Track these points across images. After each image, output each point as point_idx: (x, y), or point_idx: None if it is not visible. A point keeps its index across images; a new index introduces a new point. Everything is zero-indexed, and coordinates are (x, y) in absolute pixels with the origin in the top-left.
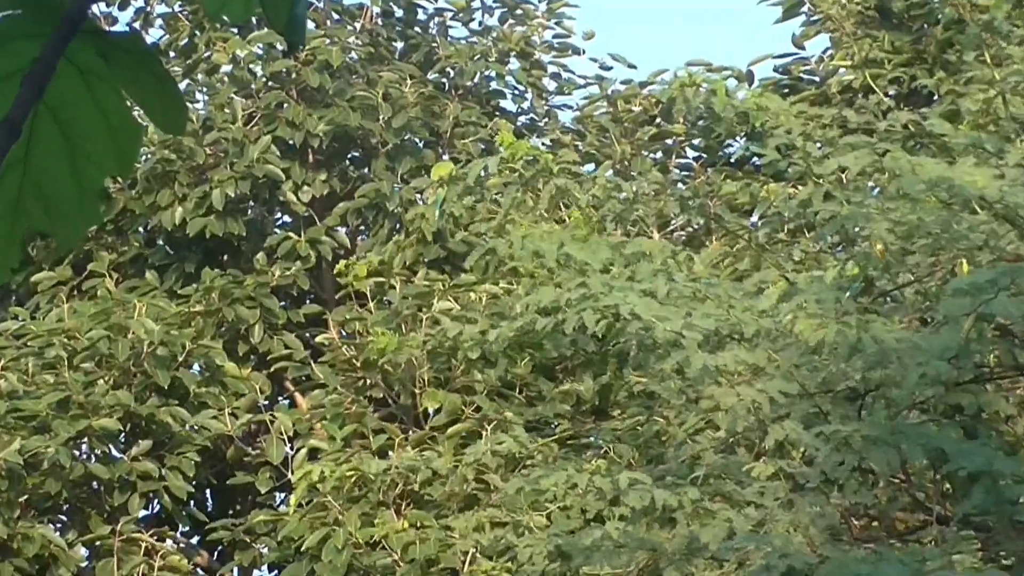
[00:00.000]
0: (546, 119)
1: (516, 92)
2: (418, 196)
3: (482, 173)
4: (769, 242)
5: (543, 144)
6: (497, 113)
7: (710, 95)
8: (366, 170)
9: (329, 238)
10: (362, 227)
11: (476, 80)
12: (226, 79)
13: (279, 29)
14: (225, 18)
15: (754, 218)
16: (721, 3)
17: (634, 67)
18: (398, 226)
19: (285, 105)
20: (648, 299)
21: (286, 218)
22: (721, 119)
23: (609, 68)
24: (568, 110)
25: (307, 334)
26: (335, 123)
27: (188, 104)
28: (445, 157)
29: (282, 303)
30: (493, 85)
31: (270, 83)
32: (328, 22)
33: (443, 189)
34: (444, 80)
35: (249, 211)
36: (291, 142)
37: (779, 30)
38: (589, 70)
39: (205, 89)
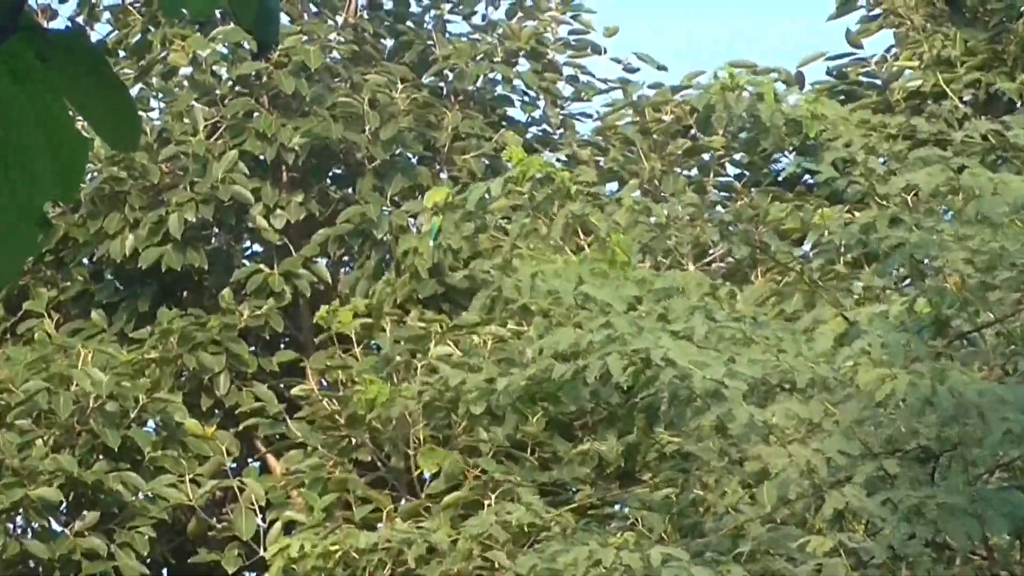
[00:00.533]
0: (561, 130)
1: (526, 99)
2: (411, 221)
3: (485, 196)
4: (824, 275)
5: (558, 160)
6: (504, 123)
7: (755, 101)
8: (350, 191)
9: (307, 271)
10: (345, 257)
11: (479, 84)
12: (185, 83)
13: (248, 26)
14: (184, 12)
15: (806, 247)
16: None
17: (664, 69)
18: (387, 257)
19: (255, 114)
20: (684, 342)
21: (256, 247)
22: (768, 129)
23: (635, 70)
24: (587, 120)
25: (281, 385)
26: (313, 135)
27: (141, 113)
28: (443, 175)
29: (252, 348)
30: (499, 90)
31: (237, 88)
32: (305, 16)
33: (439, 217)
34: (441, 84)
35: (213, 239)
36: (262, 158)
37: (833, 26)
38: (612, 72)
39: (161, 95)
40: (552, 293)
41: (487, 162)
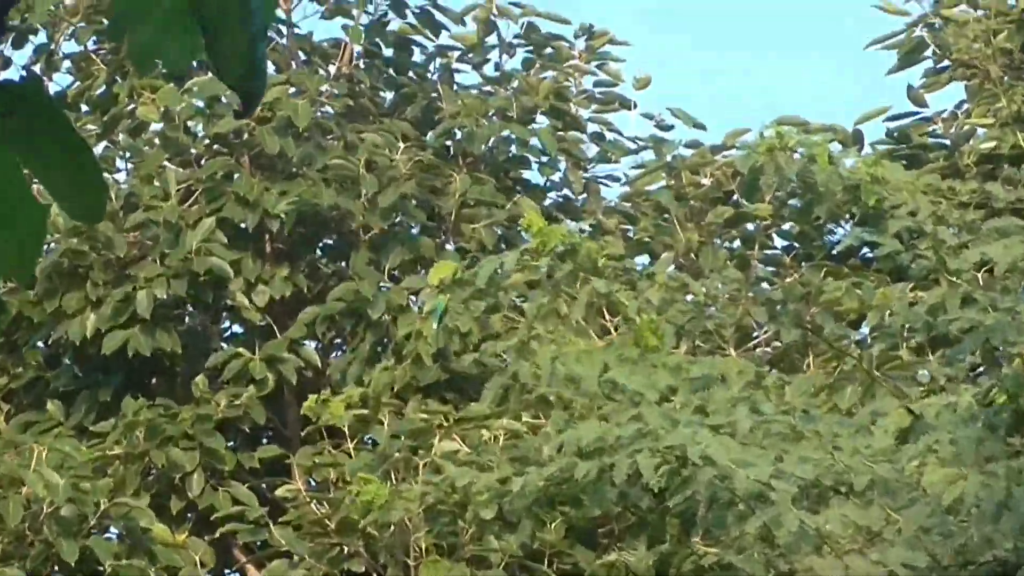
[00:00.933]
0: (584, 196)
1: (545, 160)
2: (412, 300)
3: (498, 271)
4: (886, 362)
5: (581, 230)
6: (519, 189)
7: (807, 163)
8: (342, 264)
9: (293, 356)
10: (337, 340)
11: (491, 144)
12: (156, 141)
13: (231, 81)
14: (157, 64)
15: (865, 330)
16: (813, 43)
17: (702, 127)
18: (385, 340)
19: (235, 176)
20: (725, 438)
21: (236, 328)
22: (822, 196)
23: (669, 128)
24: (614, 184)
25: (263, 485)
26: (301, 201)
27: (106, 176)
28: (449, 247)
29: (229, 443)
30: (514, 151)
31: (215, 147)
32: (293, 65)
33: (444, 296)
34: (448, 144)
35: (186, 319)
36: (243, 226)
37: (893, 79)
38: (642, 130)
39: (128, 155)
40: (574, 381)
41: (500, 233)
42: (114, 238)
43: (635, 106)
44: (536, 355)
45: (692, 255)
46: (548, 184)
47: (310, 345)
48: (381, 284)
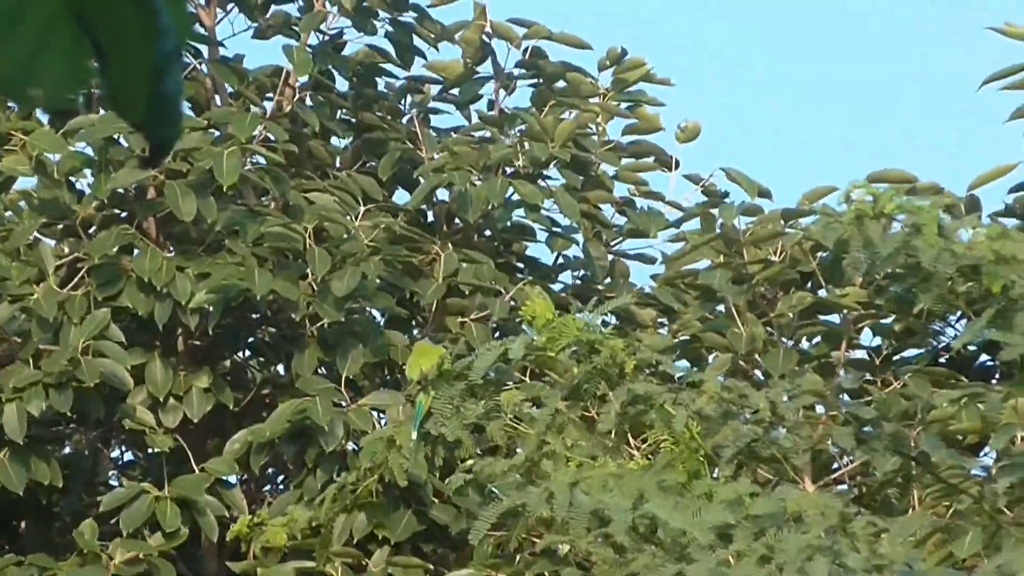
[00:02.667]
0: (609, 280)
1: (557, 231)
2: (377, 417)
3: (490, 373)
4: (1017, 501)
5: (604, 323)
6: (523, 268)
7: (909, 236)
8: (280, 370)
9: (213, 498)
10: (277, 475)
11: (489, 208)
12: (24, 204)
13: (132, 119)
14: (34, 96)
15: (988, 459)
16: (905, 79)
17: (767, 195)
18: (339, 471)
19: (136, 252)
20: None
21: (136, 456)
22: (930, 279)
23: (723, 195)
24: (649, 263)
25: None
26: (226, 286)
27: None
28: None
29: None
30: (518, 217)
31: (109, 211)
32: (216, 99)
33: (425, 395)
34: (428, 208)
35: (68, 446)
36: (146, 319)
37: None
38: (687, 194)
39: None
40: (600, 516)
41: (494, 327)
42: None
43: (677, 165)
44: (549, 479)
45: (755, 356)
46: (562, 262)
47: (236, 485)
48: (336, 400)
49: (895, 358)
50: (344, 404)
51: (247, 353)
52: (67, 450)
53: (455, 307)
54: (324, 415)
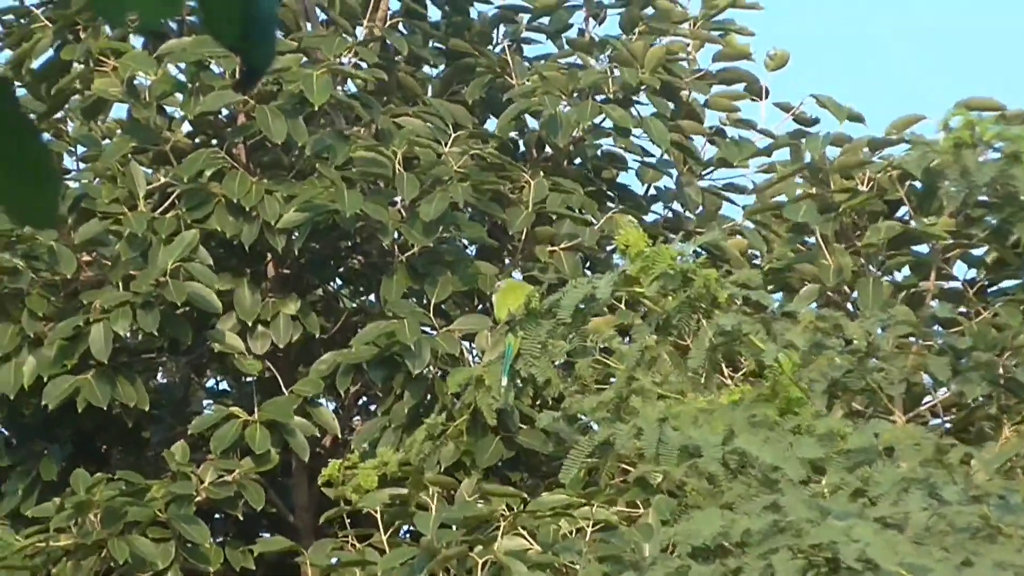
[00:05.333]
0: (701, 209)
1: (647, 160)
2: (466, 347)
3: (591, 297)
4: None
5: (695, 253)
6: (614, 197)
7: (1007, 164)
8: (371, 297)
9: (303, 419)
10: (363, 399)
11: (577, 135)
12: (117, 128)
13: (227, 42)
14: (129, 17)
15: None
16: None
17: (859, 119)
18: (428, 398)
19: (226, 175)
20: (892, 534)
21: (226, 383)
22: None
23: (814, 122)
24: (740, 194)
25: None
26: (315, 209)
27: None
28: (516, 276)
29: (218, 537)
30: (607, 145)
31: (199, 135)
32: (307, 26)
33: (514, 336)
34: (517, 136)
35: (159, 369)
36: (236, 243)
37: None
38: (778, 122)
39: (79, 145)
40: (689, 451)
41: (584, 257)
42: (60, 253)
43: (767, 93)
44: (638, 415)
45: (845, 288)
46: (653, 193)
47: (327, 406)
48: (424, 325)
49: (990, 289)
50: (432, 330)
51: (338, 282)
52: (160, 380)
53: (544, 236)
54: (411, 335)
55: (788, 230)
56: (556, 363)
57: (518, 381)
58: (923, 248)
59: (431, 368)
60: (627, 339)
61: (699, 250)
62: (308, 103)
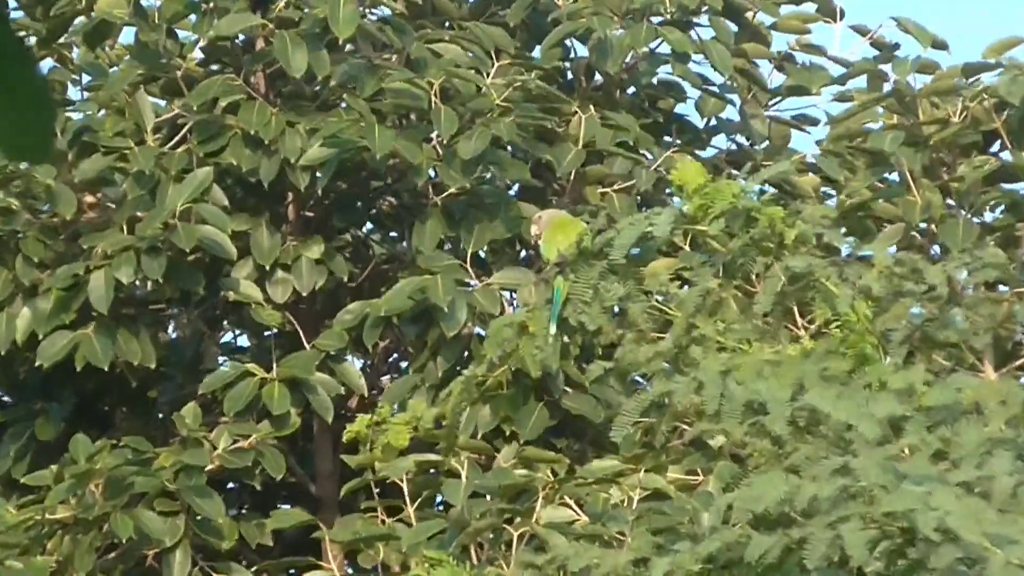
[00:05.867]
0: (767, 143)
1: (708, 89)
2: (507, 297)
3: (647, 237)
4: None
5: (761, 190)
6: (671, 130)
7: None
8: (403, 243)
9: (327, 376)
10: (394, 356)
11: (629, 62)
12: (124, 54)
13: None
14: None
15: None
16: None
17: (943, 47)
18: (465, 355)
19: (243, 106)
20: (975, 501)
21: (242, 337)
22: None
23: (894, 48)
24: (810, 126)
25: (286, 570)
26: (341, 144)
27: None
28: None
29: (233, 509)
30: (664, 73)
31: (214, 61)
32: None
33: (563, 279)
34: (565, 64)
35: (169, 322)
36: (253, 180)
37: None
38: (853, 48)
39: (83, 74)
40: (753, 407)
41: (640, 199)
42: (59, 192)
43: (842, 15)
44: (698, 367)
45: (932, 227)
46: (715, 124)
47: (353, 363)
48: (461, 280)
49: None
50: (470, 283)
51: (367, 227)
52: (170, 335)
53: (595, 175)
54: (445, 295)
55: (869, 164)
56: (607, 307)
57: (565, 334)
58: (1020, 186)
59: (468, 325)
60: (685, 286)
61: (765, 187)
62: (332, 28)
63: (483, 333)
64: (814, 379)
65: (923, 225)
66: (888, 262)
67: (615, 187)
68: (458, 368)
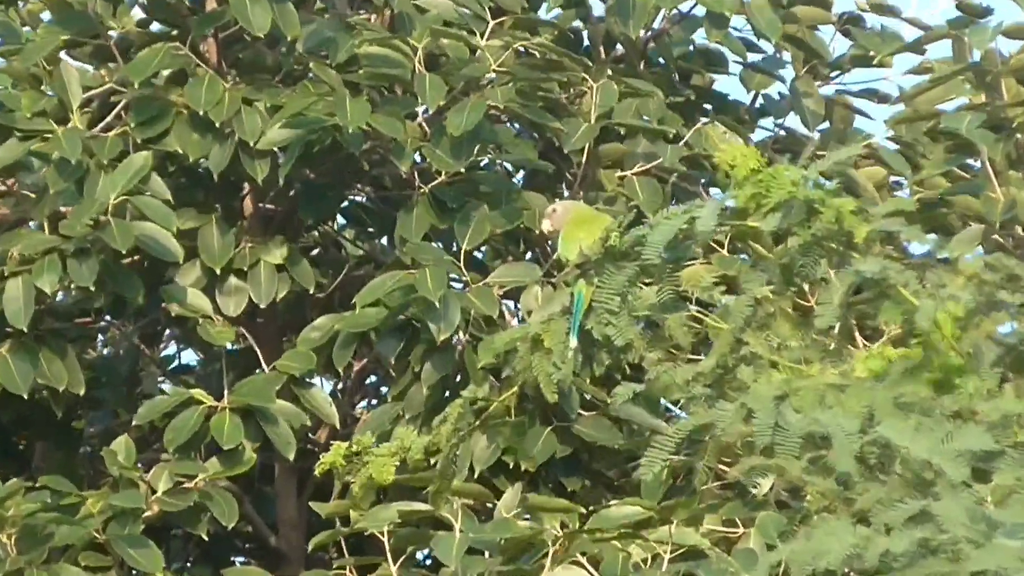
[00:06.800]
0: (827, 124)
1: (754, 62)
2: (510, 309)
3: (684, 233)
4: None
5: (820, 179)
6: (708, 107)
7: None
8: (381, 241)
9: (289, 403)
10: (373, 376)
11: (656, 27)
12: (42, 9)
13: None
14: None
15: None
16: None
17: None
18: (459, 376)
19: (191, 79)
20: None
21: (189, 355)
22: None
23: (986, 11)
24: (878, 103)
25: None
26: (307, 124)
27: None
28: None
29: (174, 565)
30: (700, 39)
31: (153, 24)
32: None
33: (585, 284)
34: (582, 25)
35: (99, 336)
36: (201, 168)
37: None
38: (934, 9)
39: None
40: (815, 440)
41: (671, 187)
42: None
43: None
44: (747, 391)
45: (1018, 229)
46: (762, 102)
47: (322, 388)
48: (453, 278)
49: None
50: (463, 284)
51: (339, 222)
52: (101, 351)
53: (612, 155)
54: (435, 289)
55: (946, 151)
56: (637, 317)
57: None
58: None
59: (460, 335)
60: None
61: (820, 179)
62: None
63: (479, 343)
64: (888, 407)
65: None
66: (977, 267)
67: (636, 169)
68: (447, 391)
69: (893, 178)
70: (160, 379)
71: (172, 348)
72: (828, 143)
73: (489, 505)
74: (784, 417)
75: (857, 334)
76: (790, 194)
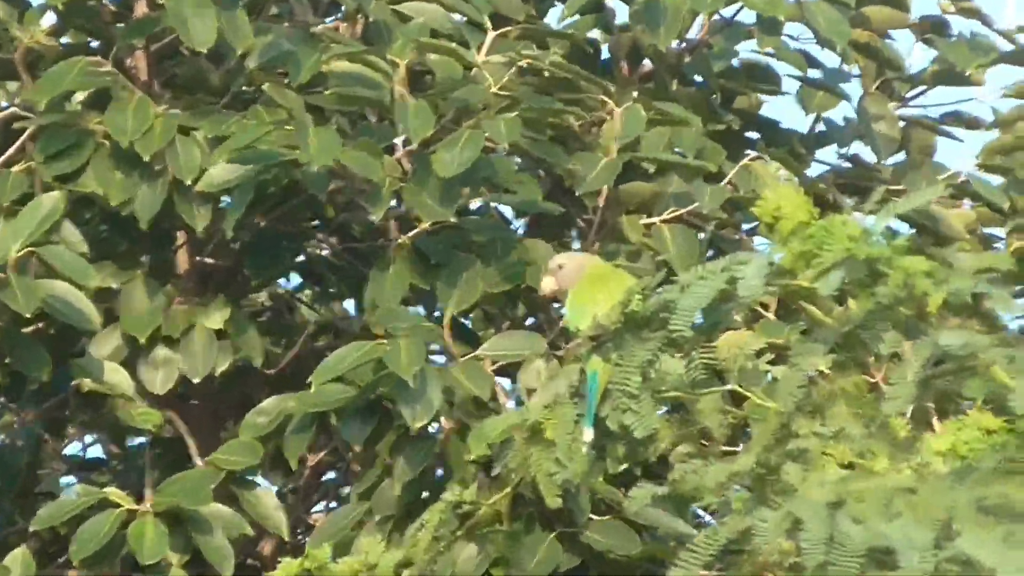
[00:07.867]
0: (904, 155)
1: (813, 76)
2: (505, 389)
3: (725, 296)
4: None
5: (891, 229)
6: (754, 135)
7: None
8: (345, 304)
9: (226, 506)
10: (332, 471)
11: (695, 36)
12: None
13: None
14: None
15: None
16: None
17: None
18: (438, 475)
19: (114, 99)
20: None
21: (98, 451)
22: None
23: None
24: (968, 129)
25: None
26: (257, 155)
27: None
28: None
29: None
30: (746, 52)
31: (70, 33)
32: None
33: (603, 359)
34: (602, 36)
35: None
36: (124, 214)
37: None
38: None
39: None
40: (878, 556)
41: (709, 236)
42: None
43: None
44: (794, 494)
45: None
46: (820, 130)
47: (268, 488)
48: (434, 348)
49: None
50: (448, 357)
51: (294, 280)
52: None
53: (637, 197)
54: (409, 363)
55: None
56: (663, 399)
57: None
58: None
59: (442, 421)
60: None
61: (896, 225)
62: None
63: (466, 430)
64: (969, 514)
65: None
66: None
67: (667, 215)
68: (425, 491)
69: (985, 228)
70: (66, 475)
71: (79, 442)
72: (904, 177)
73: None
74: (840, 527)
75: (935, 420)
76: (848, 252)
